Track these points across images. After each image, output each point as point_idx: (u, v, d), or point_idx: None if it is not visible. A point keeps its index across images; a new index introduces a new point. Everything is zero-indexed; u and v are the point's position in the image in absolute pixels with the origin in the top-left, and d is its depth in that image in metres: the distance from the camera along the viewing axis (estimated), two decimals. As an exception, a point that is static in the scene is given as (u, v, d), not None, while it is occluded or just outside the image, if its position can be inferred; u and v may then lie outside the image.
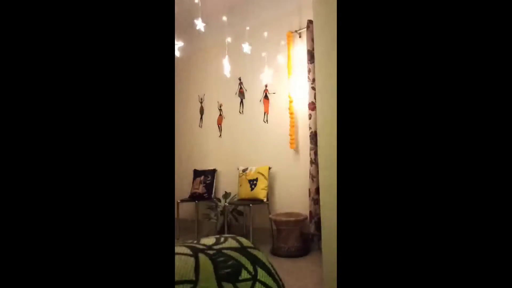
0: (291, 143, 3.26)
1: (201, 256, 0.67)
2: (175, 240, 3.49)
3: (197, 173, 3.95)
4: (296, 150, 3.28)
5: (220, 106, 4.01)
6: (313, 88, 2.90)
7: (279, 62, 3.36)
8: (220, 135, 4.00)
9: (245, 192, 3.33)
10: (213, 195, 3.76)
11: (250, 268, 0.69)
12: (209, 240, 0.76)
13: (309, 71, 2.96)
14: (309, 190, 2.92)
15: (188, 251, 0.68)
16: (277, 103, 3.44)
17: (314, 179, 2.84)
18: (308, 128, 3.00)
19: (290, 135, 3.26)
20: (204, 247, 0.71)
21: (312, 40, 2.93)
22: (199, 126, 4.23)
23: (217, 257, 0.68)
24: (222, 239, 0.77)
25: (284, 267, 2.51)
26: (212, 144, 4.07)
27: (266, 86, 3.53)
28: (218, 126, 4.02)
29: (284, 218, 2.89)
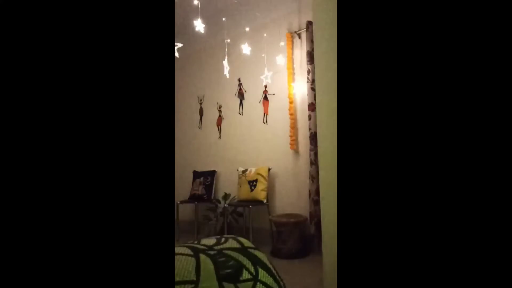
0: (291, 144, 3.26)
1: (202, 256, 0.67)
2: (175, 242, 3.49)
3: (196, 174, 3.94)
4: (296, 151, 3.27)
5: (219, 107, 4.01)
6: (313, 89, 2.91)
7: (279, 63, 3.37)
8: (220, 136, 3.99)
9: (245, 193, 3.32)
10: (212, 196, 3.76)
11: (251, 268, 0.69)
12: (210, 241, 0.76)
13: (308, 72, 2.97)
14: (309, 191, 2.92)
15: (189, 251, 0.68)
16: (277, 104, 3.44)
17: (314, 180, 2.84)
18: (308, 129, 3.00)
19: (290, 136, 3.26)
20: (205, 247, 0.72)
21: (312, 41, 2.93)
22: (199, 127, 4.23)
23: (218, 258, 0.68)
24: (222, 240, 0.77)
25: (284, 268, 2.50)
26: (211, 145, 4.07)
27: (265, 87, 3.54)
28: (218, 127, 4.02)
29: (284, 219, 2.89)
